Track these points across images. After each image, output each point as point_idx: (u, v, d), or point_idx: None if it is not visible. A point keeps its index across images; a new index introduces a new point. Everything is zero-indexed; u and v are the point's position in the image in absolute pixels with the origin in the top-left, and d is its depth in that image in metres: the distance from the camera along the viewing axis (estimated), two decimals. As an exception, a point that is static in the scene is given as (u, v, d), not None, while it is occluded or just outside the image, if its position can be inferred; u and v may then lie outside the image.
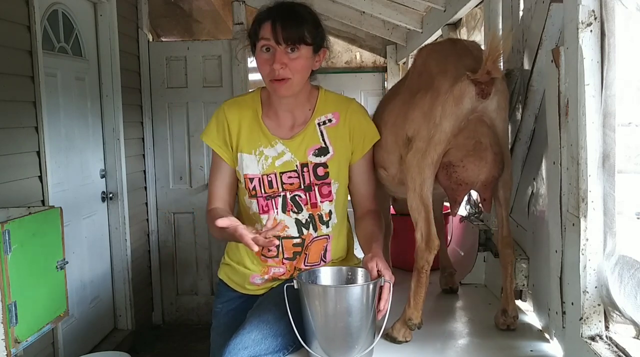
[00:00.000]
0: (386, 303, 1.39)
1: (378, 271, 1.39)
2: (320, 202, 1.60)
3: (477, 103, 1.44)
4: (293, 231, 1.61)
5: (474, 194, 2.17)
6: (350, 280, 1.49)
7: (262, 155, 1.59)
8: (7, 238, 2.01)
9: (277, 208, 1.60)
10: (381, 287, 1.39)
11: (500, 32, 2.00)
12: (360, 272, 1.48)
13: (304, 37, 1.49)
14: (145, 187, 4.54)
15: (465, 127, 1.47)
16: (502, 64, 2.05)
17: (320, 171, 1.59)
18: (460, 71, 1.45)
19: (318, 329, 1.37)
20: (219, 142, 1.62)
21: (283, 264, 1.64)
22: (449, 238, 2.22)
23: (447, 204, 2.07)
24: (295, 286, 1.38)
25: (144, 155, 4.50)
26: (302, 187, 1.59)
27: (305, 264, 1.64)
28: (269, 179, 1.59)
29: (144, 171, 4.52)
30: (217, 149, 1.63)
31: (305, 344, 1.40)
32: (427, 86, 1.54)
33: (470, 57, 1.50)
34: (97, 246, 3.81)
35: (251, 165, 1.59)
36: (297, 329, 1.40)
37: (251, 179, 1.59)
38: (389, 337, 1.56)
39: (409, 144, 1.54)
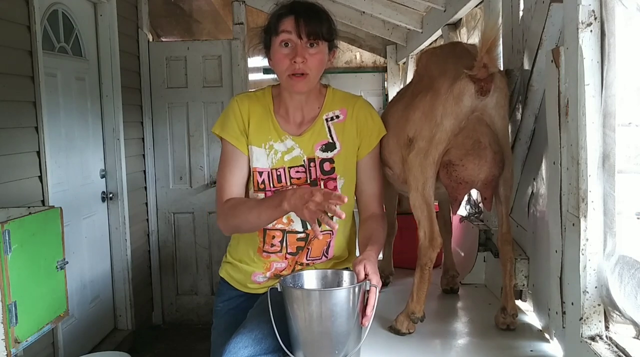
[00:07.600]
0: (371, 308, 1.33)
1: (365, 274, 1.35)
2: None
3: (477, 101, 1.45)
4: (298, 226, 1.61)
5: (474, 194, 2.18)
6: (336, 284, 1.44)
7: (271, 149, 1.60)
8: (7, 238, 2.00)
9: None
10: (367, 292, 1.34)
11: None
12: (346, 275, 1.44)
13: (324, 34, 1.54)
14: (145, 187, 4.54)
15: (464, 126, 1.48)
16: (501, 60, 2.06)
17: (327, 166, 1.61)
18: (459, 71, 1.46)
19: (300, 333, 1.33)
20: (236, 134, 1.60)
21: (286, 258, 1.64)
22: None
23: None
24: (279, 289, 1.35)
25: (144, 155, 4.49)
26: (309, 181, 1.60)
27: (308, 258, 1.64)
28: (278, 173, 1.60)
29: (144, 171, 4.51)
30: (234, 141, 1.60)
31: (288, 348, 1.36)
32: (428, 88, 1.56)
33: (469, 58, 1.51)
34: (97, 246, 3.81)
35: (261, 159, 1.60)
36: (280, 334, 1.37)
37: (260, 173, 1.60)
38: (393, 329, 1.59)
39: (411, 144, 1.55)
